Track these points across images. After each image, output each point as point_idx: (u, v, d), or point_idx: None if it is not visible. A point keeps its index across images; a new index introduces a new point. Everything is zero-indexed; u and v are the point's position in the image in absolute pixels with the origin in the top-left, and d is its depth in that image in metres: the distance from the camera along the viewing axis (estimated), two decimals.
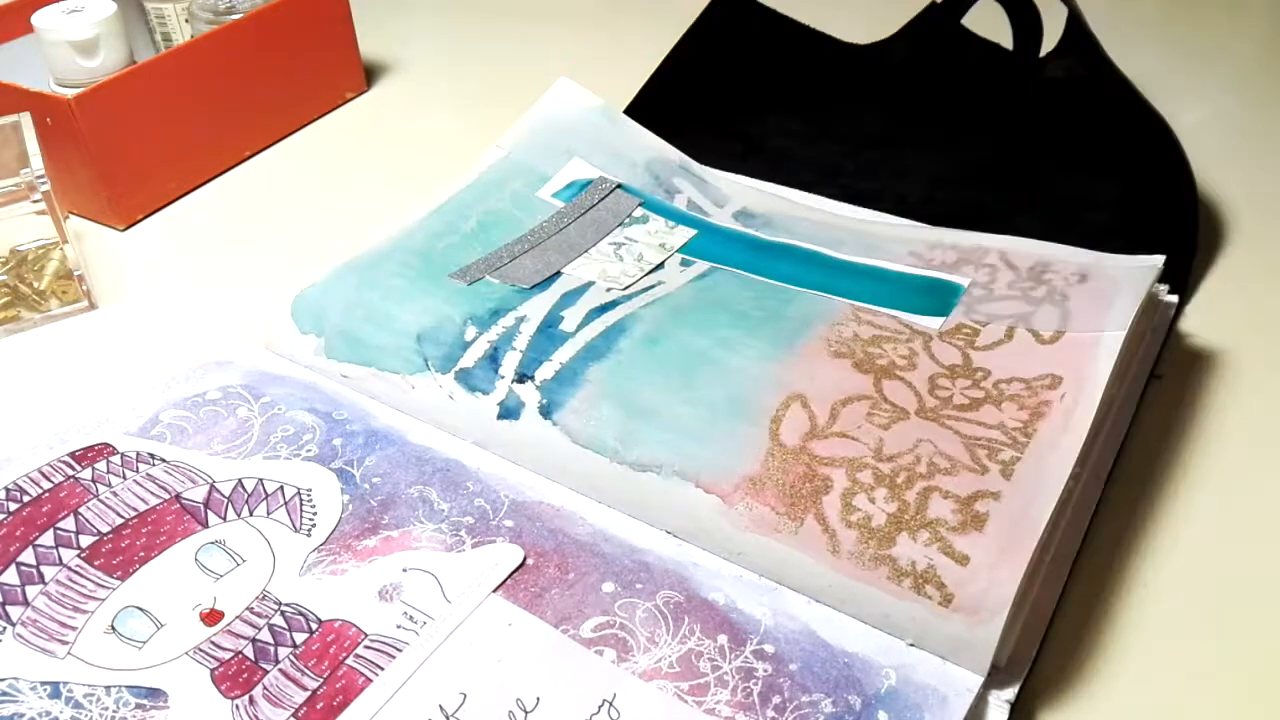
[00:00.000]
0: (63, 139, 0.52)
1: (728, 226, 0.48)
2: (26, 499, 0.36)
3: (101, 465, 0.38)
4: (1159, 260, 0.41)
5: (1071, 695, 0.31)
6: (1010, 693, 0.30)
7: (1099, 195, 0.50)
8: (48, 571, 0.34)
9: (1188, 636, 0.33)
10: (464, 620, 0.32)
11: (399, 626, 0.32)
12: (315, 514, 0.36)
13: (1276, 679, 0.31)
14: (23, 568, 0.34)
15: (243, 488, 0.37)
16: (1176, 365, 0.43)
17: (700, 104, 0.58)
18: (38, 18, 0.54)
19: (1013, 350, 0.39)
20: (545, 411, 0.38)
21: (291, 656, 0.31)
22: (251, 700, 0.30)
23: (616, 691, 0.30)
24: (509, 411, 0.38)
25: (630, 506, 0.36)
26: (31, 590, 0.33)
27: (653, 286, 0.44)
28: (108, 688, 0.31)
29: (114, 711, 0.30)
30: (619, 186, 0.50)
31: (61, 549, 0.34)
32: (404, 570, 0.34)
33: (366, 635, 0.32)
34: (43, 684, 0.31)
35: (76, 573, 0.34)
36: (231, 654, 0.32)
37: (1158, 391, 0.42)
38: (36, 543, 0.35)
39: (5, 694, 0.30)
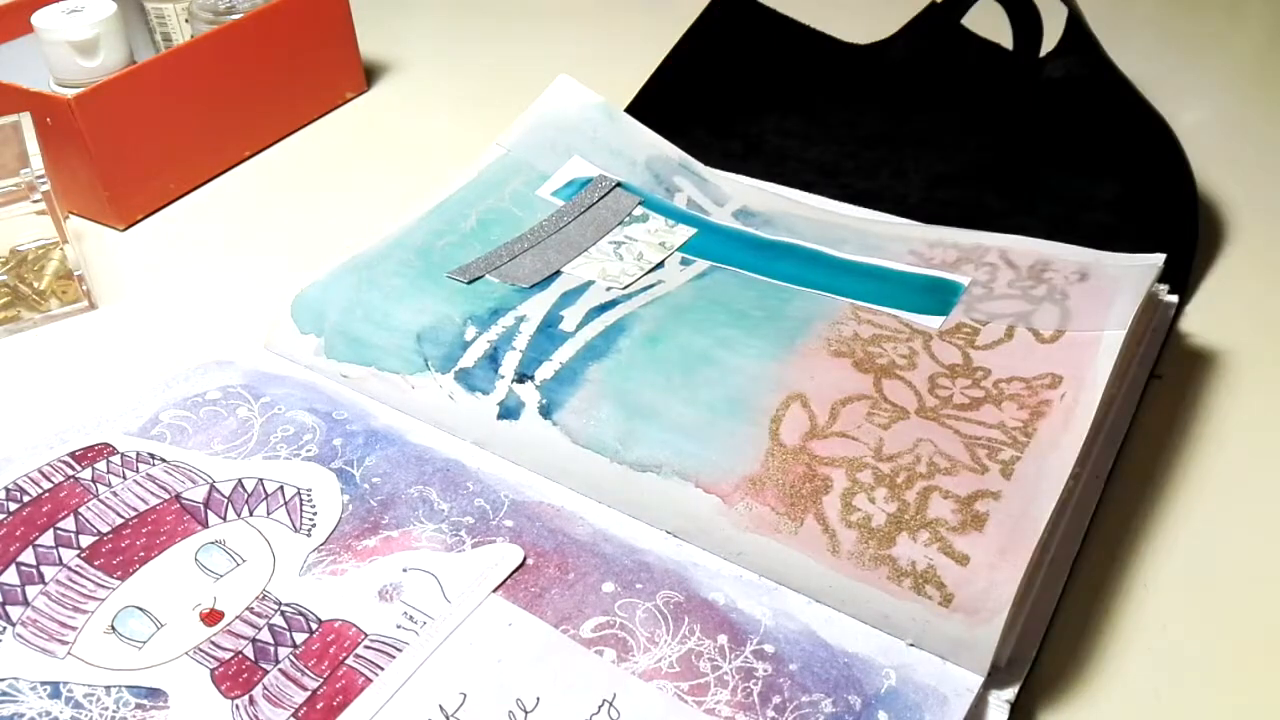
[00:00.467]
0: (63, 139, 0.52)
1: (728, 225, 0.48)
2: (26, 499, 0.36)
3: (101, 465, 0.38)
4: (1159, 259, 0.41)
5: (1071, 695, 0.31)
6: (1010, 693, 0.30)
7: (1099, 195, 0.50)
8: (48, 571, 0.34)
9: (1188, 636, 0.33)
10: (464, 620, 0.32)
11: (399, 626, 0.32)
12: (315, 514, 0.36)
13: (1276, 679, 0.31)
14: (23, 568, 0.34)
15: (243, 488, 0.37)
16: (1176, 365, 0.43)
17: (700, 103, 0.58)
18: (38, 18, 0.54)
19: (1013, 349, 0.39)
20: (545, 411, 0.38)
21: (291, 656, 0.31)
22: (251, 700, 0.30)
23: (616, 691, 0.30)
24: (509, 411, 0.38)
25: (630, 506, 0.36)
26: (31, 590, 0.33)
27: (653, 285, 0.44)
28: (108, 688, 0.31)
29: (114, 711, 0.30)
30: (619, 185, 0.50)
31: (61, 549, 0.34)
32: (404, 570, 0.34)
33: (366, 635, 0.32)
34: (43, 684, 0.31)
35: (76, 573, 0.34)
36: (231, 654, 0.32)
37: (1158, 391, 0.42)
38: (36, 543, 0.35)
39: (5, 694, 0.30)
